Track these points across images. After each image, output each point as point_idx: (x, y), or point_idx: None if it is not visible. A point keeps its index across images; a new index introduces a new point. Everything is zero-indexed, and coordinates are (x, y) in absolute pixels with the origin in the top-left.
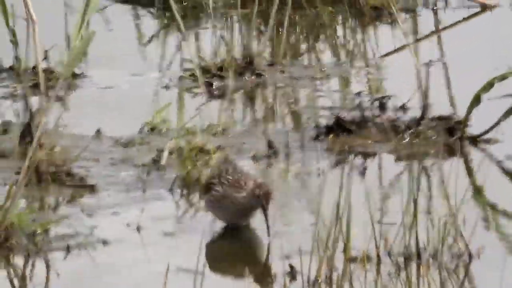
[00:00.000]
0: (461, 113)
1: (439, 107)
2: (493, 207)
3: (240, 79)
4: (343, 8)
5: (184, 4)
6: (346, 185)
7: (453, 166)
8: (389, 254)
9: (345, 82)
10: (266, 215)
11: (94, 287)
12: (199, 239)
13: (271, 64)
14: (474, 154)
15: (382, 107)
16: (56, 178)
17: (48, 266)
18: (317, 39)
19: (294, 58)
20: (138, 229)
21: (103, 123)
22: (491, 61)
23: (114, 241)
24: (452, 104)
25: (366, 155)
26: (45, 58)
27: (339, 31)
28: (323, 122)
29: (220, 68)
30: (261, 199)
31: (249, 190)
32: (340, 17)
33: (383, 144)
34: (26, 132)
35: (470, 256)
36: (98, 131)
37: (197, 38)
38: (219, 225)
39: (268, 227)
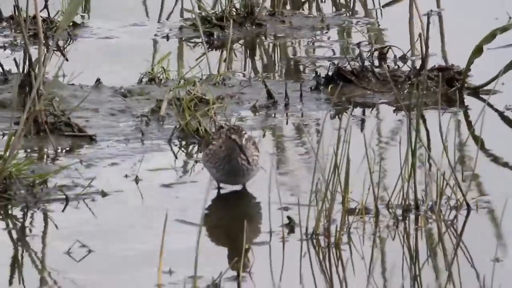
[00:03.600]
0: (462, 64)
1: (439, 58)
2: (494, 158)
3: (240, 29)
4: None
5: None
6: (345, 136)
7: (453, 117)
8: (387, 206)
9: (345, 32)
10: (241, 148)
11: (93, 238)
12: (197, 191)
13: (271, 14)
14: (474, 105)
15: (382, 57)
16: (55, 128)
17: (46, 217)
18: None
19: (295, 8)
20: (136, 180)
21: (103, 73)
22: (491, 11)
23: (112, 192)
24: (452, 54)
25: (365, 106)
26: (45, 7)
27: None
28: (323, 72)
29: (221, 18)
30: (233, 138)
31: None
32: None
33: (382, 95)
34: (26, 82)
35: (469, 208)
36: (98, 81)
37: None
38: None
39: (246, 157)
